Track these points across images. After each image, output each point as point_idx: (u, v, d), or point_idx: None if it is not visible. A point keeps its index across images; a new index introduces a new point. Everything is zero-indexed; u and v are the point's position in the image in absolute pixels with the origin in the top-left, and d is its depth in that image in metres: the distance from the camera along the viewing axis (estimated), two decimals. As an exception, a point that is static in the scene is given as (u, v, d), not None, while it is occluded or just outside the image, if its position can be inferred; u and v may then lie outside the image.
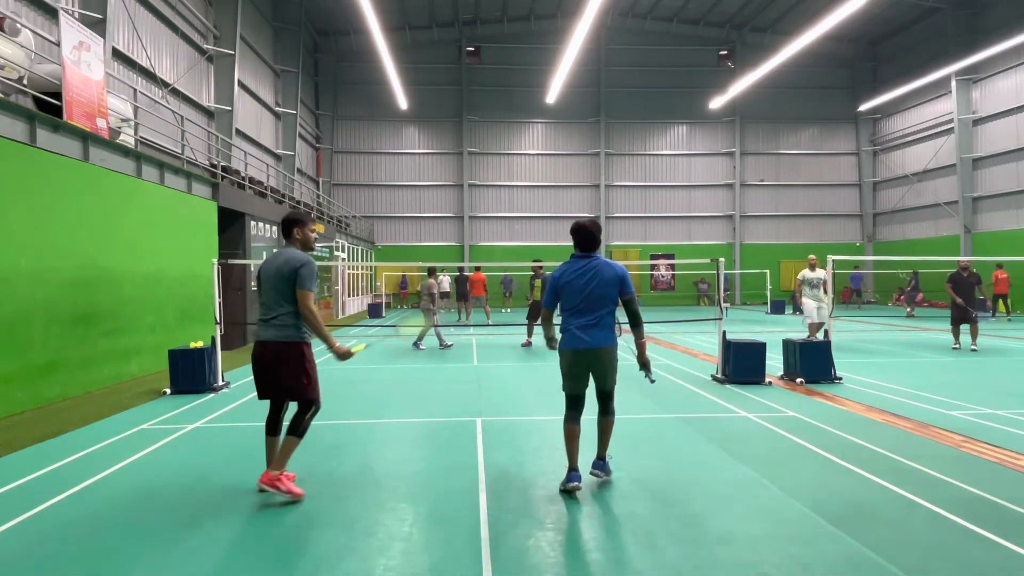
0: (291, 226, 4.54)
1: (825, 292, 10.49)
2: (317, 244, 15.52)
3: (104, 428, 6.47)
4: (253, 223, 14.54)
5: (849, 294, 26.97)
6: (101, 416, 7.00)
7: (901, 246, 29.13)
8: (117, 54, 13.37)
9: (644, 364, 4.54)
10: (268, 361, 4.34)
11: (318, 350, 4.60)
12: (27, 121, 7.79)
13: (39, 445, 5.82)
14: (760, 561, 3.36)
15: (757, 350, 8.66)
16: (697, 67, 31.20)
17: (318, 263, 4.87)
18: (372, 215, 30.75)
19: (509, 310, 26.40)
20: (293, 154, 24.53)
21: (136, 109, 11.75)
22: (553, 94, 26.54)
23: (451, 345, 13.41)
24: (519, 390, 8.54)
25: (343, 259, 23.61)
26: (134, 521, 4.00)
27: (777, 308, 24.46)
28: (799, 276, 12.31)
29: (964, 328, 12.26)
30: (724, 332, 8.84)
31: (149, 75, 14.81)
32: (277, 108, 24.12)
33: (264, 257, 14.87)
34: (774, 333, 14.66)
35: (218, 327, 8.69)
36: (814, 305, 11.75)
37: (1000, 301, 20.45)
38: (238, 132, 19.20)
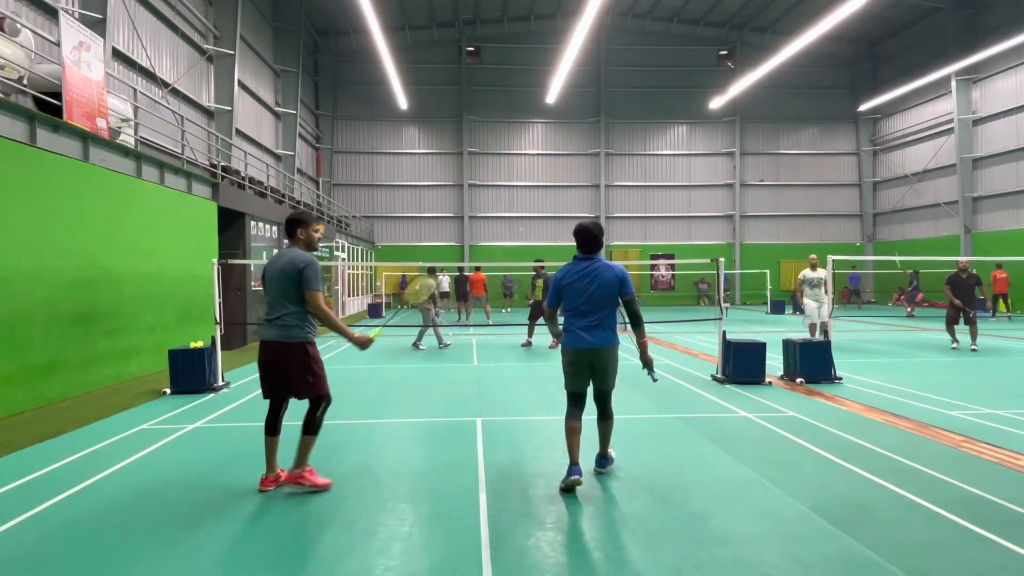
0: (295, 226, 4.57)
1: (826, 292, 10.49)
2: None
3: (104, 428, 6.47)
4: (253, 223, 14.54)
5: (848, 294, 26.98)
6: (101, 416, 7.00)
7: (901, 246, 29.13)
8: (117, 54, 13.37)
9: (647, 363, 4.63)
10: (272, 362, 4.39)
11: (324, 347, 4.61)
12: (27, 121, 7.79)
13: (39, 445, 5.82)
14: (760, 561, 3.36)
15: (757, 350, 8.66)
16: (697, 67, 31.21)
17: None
18: (372, 215, 30.75)
19: (509, 310, 26.40)
20: (293, 154, 24.53)
21: (136, 109, 11.75)
22: (553, 94, 26.54)
23: (449, 344, 13.42)
24: (519, 390, 8.53)
25: (343, 259, 23.60)
26: (134, 521, 4.00)
27: (777, 308, 24.46)
28: (800, 276, 12.32)
29: (964, 328, 12.27)
30: (724, 332, 8.84)
31: (149, 75, 14.81)
32: (277, 108, 24.12)
33: (264, 257, 14.89)
34: (774, 333, 14.67)
35: (218, 327, 8.69)
36: (815, 305, 11.76)
37: (1001, 301, 20.45)
38: (238, 132, 19.20)
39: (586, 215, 30.94)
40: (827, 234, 31.68)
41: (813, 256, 12.30)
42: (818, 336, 11.36)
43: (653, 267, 30.90)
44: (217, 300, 8.76)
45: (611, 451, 4.88)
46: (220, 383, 8.53)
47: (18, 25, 8.95)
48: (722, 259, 9.20)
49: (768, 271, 26.19)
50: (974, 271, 12.85)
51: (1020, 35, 20.36)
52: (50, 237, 7.95)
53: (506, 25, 30.26)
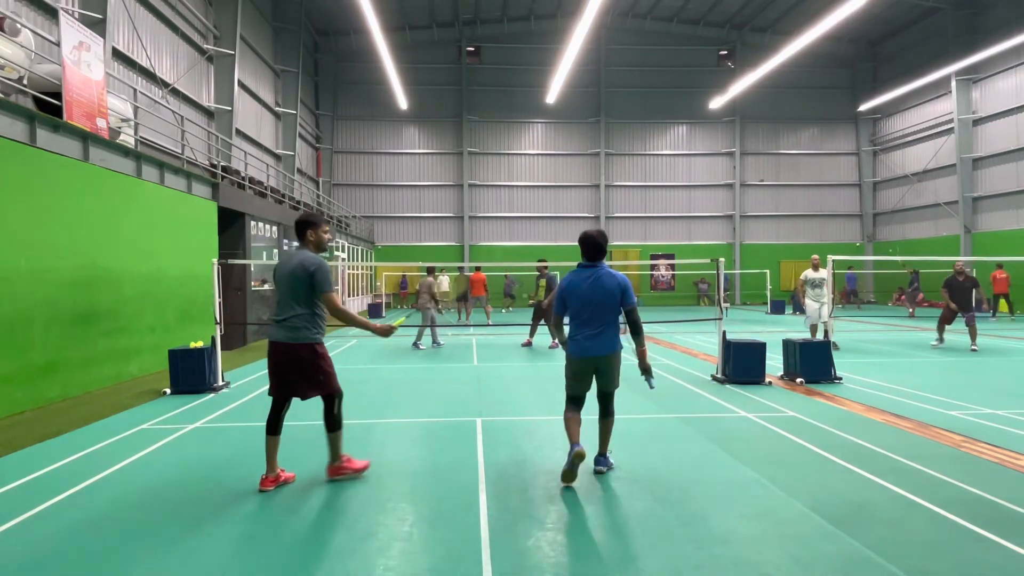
0: (304, 228, 4.64)
1: (830, 291, 10.48)
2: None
3: (104, 428, 6.47)
4: (253, 223, 14.54)
5: (846, 295, 26.97)
6: (101, 416, 7.00)
7: (901, 246, 29.13)
8: (117, 54, 13.37)
9: (645, 370, 4.74)
10: (283, 363, 4.45)
11: (330, 344, 4.61)
12: (27, 121, 7.79)
13: (39, 445, 5.83)
14: (760, 561, 3.36)
15: (757, 350, 8.66)
16: (697, 67, 31.20)
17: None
18: (372, 215, 30.74)
19: (509, 310, 26.39)
20: (293, 154, 24.53)
21: (136, 109, 11.74)
22: (553, 94, 26.53)
23: (442, 344, 13.41)
24: (519, 390, 8.53)
25: (343, 259, 23.61)
26: (134, 521, 4.00)
27: (777, 308, 24.45)
28: (802, 276, 12.32)
29: (957, 329, 12.28)
30: (724, 332, 8.84)
31: (149, 75, 14.81)
32: (277, 108, 24.12)
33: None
34: (774, 333, 14.67)
35: (218, 327, 8.68)
36: (816, 306, 11.75)
37: (1002, 300, 20.44)
38: (238, 132, 19.20)
39: (586, 215, 30.96)
40: (827, 234, 31.67)
41: (815, 256, 12.30)
42: (819, 336, 11.36)
43: (653, 267, 30.90)
44: (217, 300, 8.75)
45: (611, 456, 4.93)
46: (220, 383, 8.52)
47: (18, 25, 8.95)
48: (722, 259, 9.20)
49: (768, 271, 26.20)
50: (972, 272, 12.86)
51: (1020, 35, 20.35)
52: (50, 237, 7.95)
53: (506, 25, 30.26)
